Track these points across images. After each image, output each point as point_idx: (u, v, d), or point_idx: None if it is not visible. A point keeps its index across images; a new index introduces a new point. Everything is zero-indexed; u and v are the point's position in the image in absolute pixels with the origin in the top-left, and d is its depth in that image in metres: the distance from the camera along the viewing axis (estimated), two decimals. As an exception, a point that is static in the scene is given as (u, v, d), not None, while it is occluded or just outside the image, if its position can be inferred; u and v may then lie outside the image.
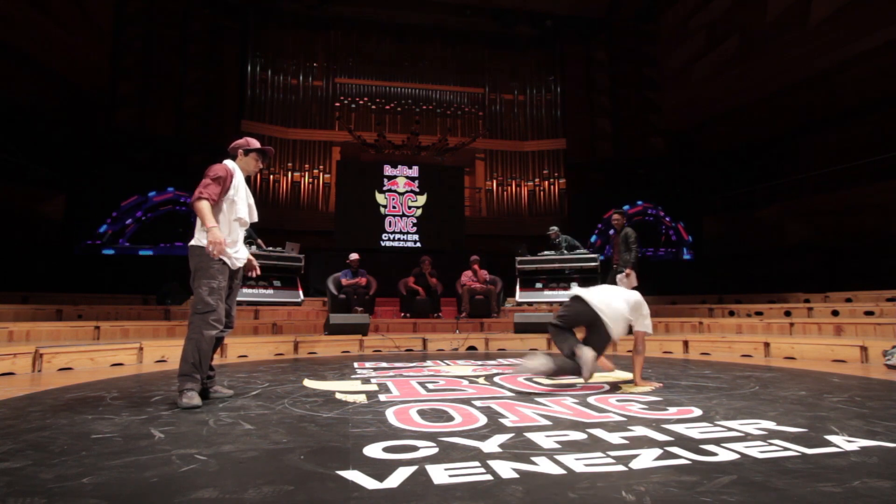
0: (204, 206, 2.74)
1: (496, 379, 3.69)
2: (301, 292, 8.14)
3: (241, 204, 2.94)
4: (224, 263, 2.84)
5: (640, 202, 12.03)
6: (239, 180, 2.95)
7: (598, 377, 3.75)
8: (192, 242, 2.82)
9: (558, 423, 2.22)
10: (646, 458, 1.68)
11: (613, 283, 6.46)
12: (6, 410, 2.55)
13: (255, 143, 3.07)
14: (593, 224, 11.98)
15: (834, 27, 8.82)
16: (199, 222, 2.81)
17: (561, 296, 8.53)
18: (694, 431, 2.04)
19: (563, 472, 1.56)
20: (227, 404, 2.73)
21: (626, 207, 11.66)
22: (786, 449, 1.78)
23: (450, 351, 6.26)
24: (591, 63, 13.46)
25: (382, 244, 10.89)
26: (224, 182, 2.83)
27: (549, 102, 13.64)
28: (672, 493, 1.37)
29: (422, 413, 2.46)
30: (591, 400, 2.79)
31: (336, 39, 13.08)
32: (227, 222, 2.87)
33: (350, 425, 2.22)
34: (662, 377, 3.74)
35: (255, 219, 3.07)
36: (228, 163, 2.97)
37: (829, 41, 8.89)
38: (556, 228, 8.72)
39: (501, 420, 2.30)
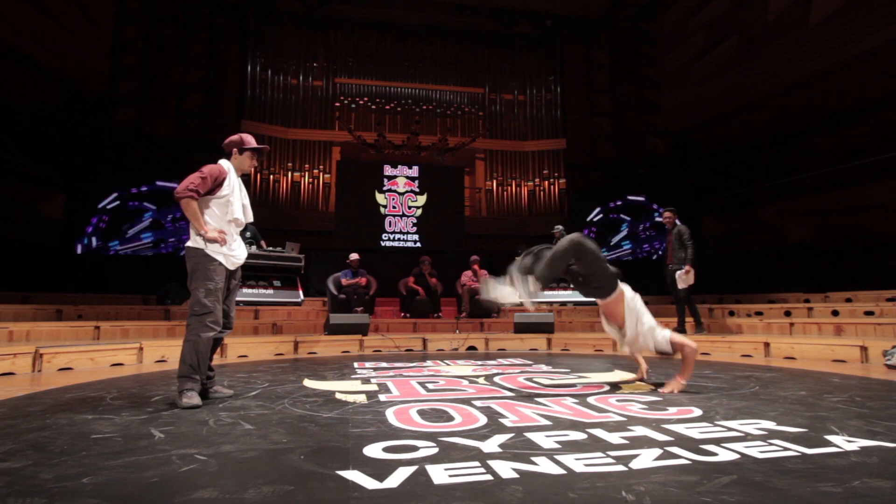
0: (192, 207, 2.73)
1: (496, 379, 3.69)
2: (301, 292, 8.14)
3: (237, 204, 2.92)
4: (221, 264, 2.83)
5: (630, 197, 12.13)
6: (234, 180, 2.93)
7: (598, 377, 3.75)
8: (189, 244, 2.82)
9: (558, 423, 2.22)
10: (646, 458, 1.68)
11: (673, 282, 6.20)
12: (6, 410, 2.55)
13: (250, 141, 3.03)
14: (589, 223, 12.03)
15: (834, 27, 8.81)
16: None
17: (561, 295, 8.53)
18: (694, 431, 2.04)
19: (563, 472, 1.56)
20: (227, 404, 2.73)
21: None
22: (786, 449, 1.78)
23: (450, 351, 6.26)
24: (591, 63, 13.46)
25: (382, 244, 10.89)
26: (212, 181, 2.80)
27: (549, 102, 13.64)
28: (672, 493, 1.37)
29: (422, 413, 2.46)
30: (591, 400, 2.79)
31: (336, 39, 13.08)
32: (222, 224, 2.86)
33: (350, 425, 2.22)
34: (663, 377, 3.74)
35: (251, 218, 3.05)
36: (223, 163, 2.95)
37: (829, 41, 8.88)
38: (560, 227, 8.74)
39: (501, 420, 2.29)
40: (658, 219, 11.98)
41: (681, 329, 6.24)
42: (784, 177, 9.95)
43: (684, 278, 6.00)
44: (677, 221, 6.40)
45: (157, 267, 9.32)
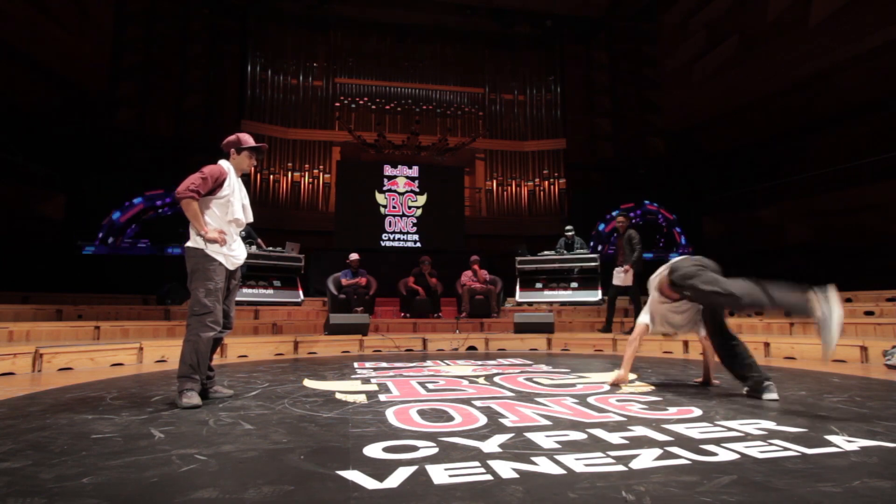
0: (193, 208, 2.73)
1: (496, 379, 3.69)
2: (301, 292, 8.14)
3: (237, 204, 2.91)
4: (221, 264, 2.83)
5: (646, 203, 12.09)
6: (234, 180, 2.92)
7: (598, 377, 3.75)
8: (189, 244, 2.81)
9: (558, 423, 2.22)
10: (646, 458, 1.68)
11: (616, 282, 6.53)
12: (6, 410, 2.55)
13: (248, 140, 3.02)
14: (593, 224, 12.00)
15: (834, 27, 8.81)
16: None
17: (561, 296, 8.53)
18: (694, 431, 2.04)
19: (563, 472, 1.56)
20: (227, 404, 2.73)
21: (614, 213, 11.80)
22: (786, 449, 1.78)
23: (450, 351, 6.26)
24: (591, 63, 13.46)
25: (382, 244, 10.90)
26: (213, 181, 2.79)
27: (549, 102, 13.64)
28: (672, 493, 1.37)
29: (422, 413, 2.46)
30: (591, 400, 2.79)
31: (336, 39, 13.08)
32: (222, 224, 2.86)
33: (350, 425, 2.21)
34: (662, 377, 3.75)
35: (251, 219, 3.05)
36: (223, 163, 2.94)
37: (829, 41, 8.88)
38: (572, 227, 8.78)
39: (501, 420, 2.29)
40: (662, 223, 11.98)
41: (607, 329, 6.74)
42: (784, 177, 9.95)
43: (622, 276, 6.37)
44: (629, 226, 6.74)
45: (157, 267, 9.32)
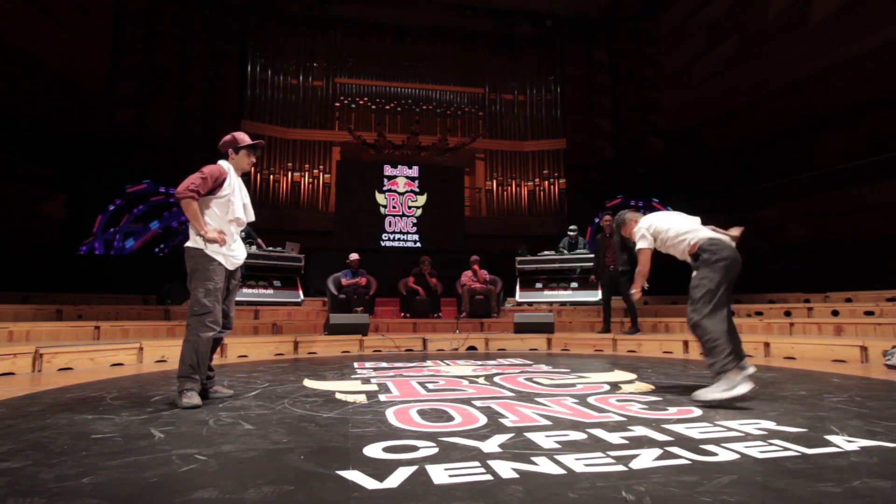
0: (193, 208, 2.73)
1: (496, 379, 3.69)
2: (301, 292, 8.15)
3: (237, 204, 2.92)
4: (220, 264, 2.83)
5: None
6: (234, 180, 2.92)
7: (598, 377, 3.75)
8: (189, 244, 2.82)
9: (558, 423, 2.22)
10: (646, 458, 1.68)
11: (613, 284, 6.48)
12: (6, 410, 2.55)
13: (244, 138, 3.01)
14: (593, 223, 12.00)
15: (834, 27, 8.81)
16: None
17: (561, 296, 8.53)
18: (694, 431, 2.04)
19: (563, 472, 1.56)
20: (227, 404, 2.73)
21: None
22: (786, 449, 1.78)
23: (450, 351, 6.26)
24: (591, 63, 13.45)
25: (382, 244, 10.90)
26: (213, 181, 2.79)
27: (549, 102, 13.64)
28: (672, 493, 1.37)
29: (422, 413, 2.46)
30: (591, 400, 2.79)
31: (336, 39, 13.08)
32: (222, 224, 2.86)
33: (350, 425, 2.22)
34: (662, 377, 3.75)
35: (252, 218, 3.05)
36: (223, 163, 2.94)
37: (829, 41, 8.88)
38: (575, 227, 8.77)
39: (501, 420, 2.29)
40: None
41: (606, 330, 6.64)
42: (784, 177, 9.94)
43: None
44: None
45: (157, 267, 9.32)
